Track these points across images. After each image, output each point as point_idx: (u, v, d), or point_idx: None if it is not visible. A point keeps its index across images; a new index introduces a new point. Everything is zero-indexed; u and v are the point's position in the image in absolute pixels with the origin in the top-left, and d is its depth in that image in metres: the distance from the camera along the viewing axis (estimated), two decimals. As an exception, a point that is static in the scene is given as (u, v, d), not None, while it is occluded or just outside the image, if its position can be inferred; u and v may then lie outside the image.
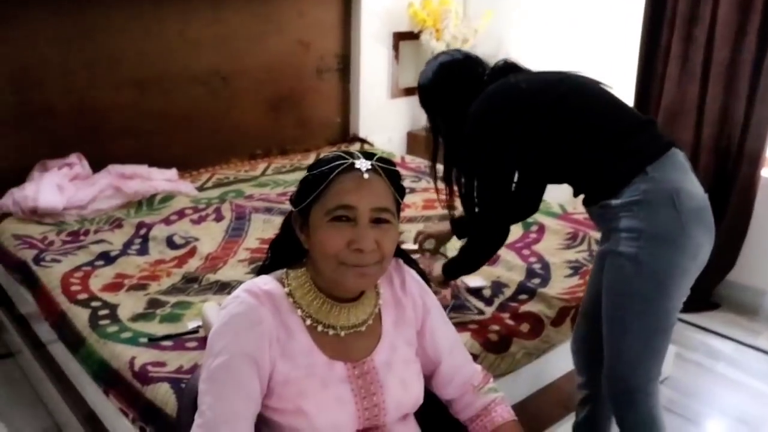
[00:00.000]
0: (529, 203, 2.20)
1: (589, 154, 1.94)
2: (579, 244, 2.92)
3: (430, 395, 1.60)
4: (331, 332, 1.40)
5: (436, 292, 2.27)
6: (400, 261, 1.57)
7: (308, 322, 1.39)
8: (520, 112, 1.99)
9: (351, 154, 1.38)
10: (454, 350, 1.58)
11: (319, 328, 1.40)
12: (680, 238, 1.85)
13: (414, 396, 1.48)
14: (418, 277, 1.58)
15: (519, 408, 2.17)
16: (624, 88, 3.59)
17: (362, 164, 1.35)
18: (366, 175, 1.34)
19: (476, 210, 2.18)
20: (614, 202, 1.90)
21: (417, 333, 1.54)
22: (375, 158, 1.38)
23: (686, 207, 1.85)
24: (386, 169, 1.38)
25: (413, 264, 1.60)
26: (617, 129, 1.94)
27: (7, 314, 3.32)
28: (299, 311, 1.39)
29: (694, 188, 1.90)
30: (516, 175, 2.11)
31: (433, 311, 1.55)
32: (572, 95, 1.99)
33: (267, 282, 1.42)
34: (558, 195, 2.77)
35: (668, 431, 2.06)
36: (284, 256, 1.49)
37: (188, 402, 1.47)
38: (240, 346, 1.32)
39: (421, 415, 1.57)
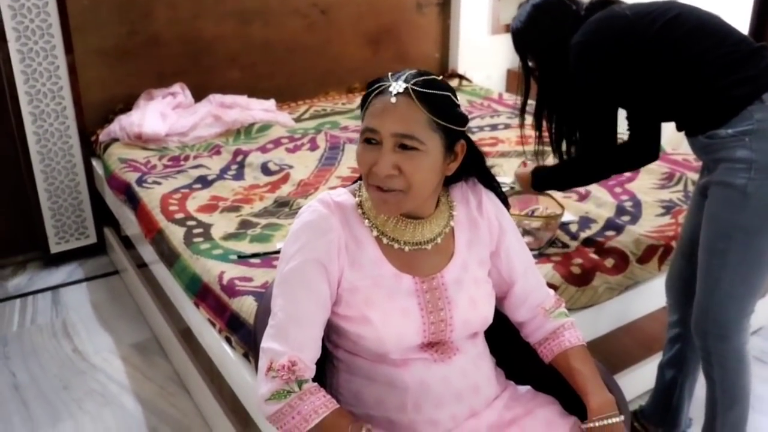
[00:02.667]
0: (647, 147, 2.14)
1: (699, 81, 1.87)
2: (674, 185, 2.85)
3: (501, 318, 1.64)
4: (396, 246, 1.45)
5: (530, 234, 2.29)
6: (477, 182, 1.58)
7: (375, 233, 1.44)
8: (626, 41, 1.95)
9: (397, 76, 1.37)
10: (528, 272, 1.60)
11: (385, 240, 1.45)
12: None
13: (482, 315, 1.51)
14: (495, 198, 1.59)
15: (599, 344, 2.20)
16: (738, 20, 3.43)
17: (394, 87, 1.35)
18: (393, 99, 1.34)
19: (567, 148, 2.19)
20: (723, 131, 1.84)
21: (491, 254, 1.56)
22: (414, 81, 1.35)
23: None
24: (422, 93, 1.35)
25: (493, 184, 1.60)
26: (729, 54, 1.86)
27: (114, 235, 3.55)
28: (366, 222, 1.44)
29: None
30: (627, 119, 2.08)
31: (509, 232, 1.57)
32: (680, 21, 1.92)
33: (341, 194, 1.48)
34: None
35: (761, 383, 2.01)
36: None
37: (264, 308, 1.56)
38: (311, 251, 1.39)
39: (490, 337, 1.61)
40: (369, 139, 1.36)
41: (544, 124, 2.23)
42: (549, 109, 2.20)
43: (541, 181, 2.30)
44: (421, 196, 1.40)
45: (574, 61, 2.02)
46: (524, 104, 2.25)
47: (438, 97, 1.36)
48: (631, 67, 1.95)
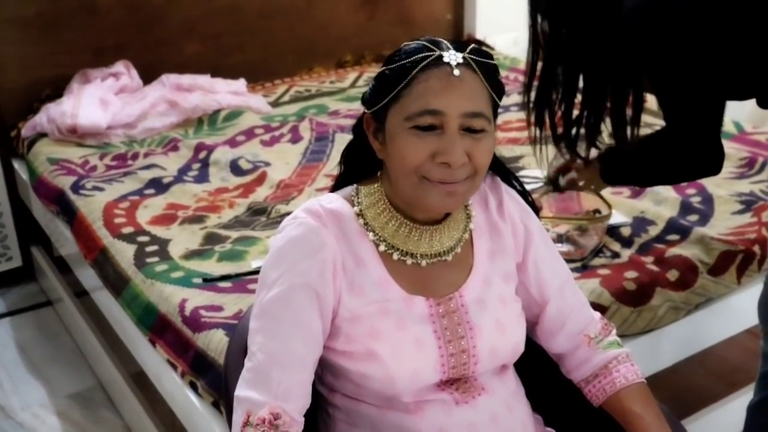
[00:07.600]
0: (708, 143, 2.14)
1: None
2: (757, 173, 2.87)
3: (537, 351, 1.67)
4: (409, 261, 1.48)
5: (570, 241, 2.32)
6: (497, 179, 1.61)
7: (382, 248, 1.47)
8: None
9: (438, 44, 1.41)
10: (565, 289, 1.63)
11: (395, 255, 1.48)
12: None
13: (512, 341, 1.54)
14: (518, 197, 1.62)
15: (663, 380, 2.21)
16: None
17: (452, 57, 1.39)
18: (456, 72, 1.38)
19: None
20: None
21: (517, 266, 1.59)
22: (468, 49, 1.41)
23: None
24: (482, 63, 1.41)
25: (514, 181, 1.64)
26: None
27: (45, 256, 3.57)
28: (371, 235, 1.47)
29: None
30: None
31: (537, 239, 1.60)
32: None
33: (332, 200, 1.50)
34: (734, 110, 2.72)
35: None
36: (358, 167, 1.57)
37: (238, 344, 1.58)
38: (298, 275, 1.42)
39: (524, 376, 1.63)
40: (423, 126, 1.38)
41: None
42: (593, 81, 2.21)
43: (615, 174, 2.27)
44: (479, 184, 1.46)
45: (645, 24, 2.01)
46: (530, 84, 2.20)
47: (493, 67, 1.44)
48: (714, 25, 1.92)
